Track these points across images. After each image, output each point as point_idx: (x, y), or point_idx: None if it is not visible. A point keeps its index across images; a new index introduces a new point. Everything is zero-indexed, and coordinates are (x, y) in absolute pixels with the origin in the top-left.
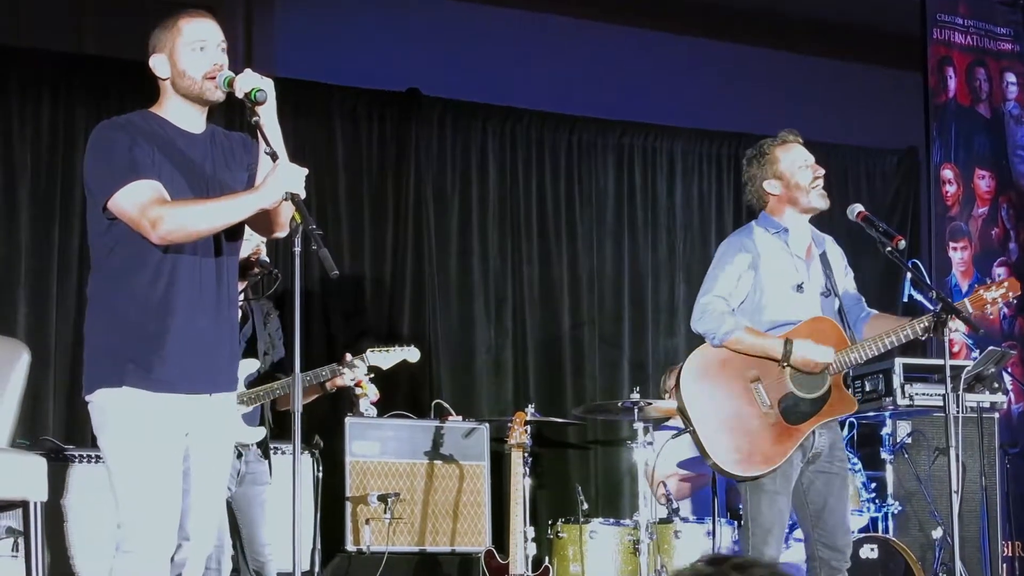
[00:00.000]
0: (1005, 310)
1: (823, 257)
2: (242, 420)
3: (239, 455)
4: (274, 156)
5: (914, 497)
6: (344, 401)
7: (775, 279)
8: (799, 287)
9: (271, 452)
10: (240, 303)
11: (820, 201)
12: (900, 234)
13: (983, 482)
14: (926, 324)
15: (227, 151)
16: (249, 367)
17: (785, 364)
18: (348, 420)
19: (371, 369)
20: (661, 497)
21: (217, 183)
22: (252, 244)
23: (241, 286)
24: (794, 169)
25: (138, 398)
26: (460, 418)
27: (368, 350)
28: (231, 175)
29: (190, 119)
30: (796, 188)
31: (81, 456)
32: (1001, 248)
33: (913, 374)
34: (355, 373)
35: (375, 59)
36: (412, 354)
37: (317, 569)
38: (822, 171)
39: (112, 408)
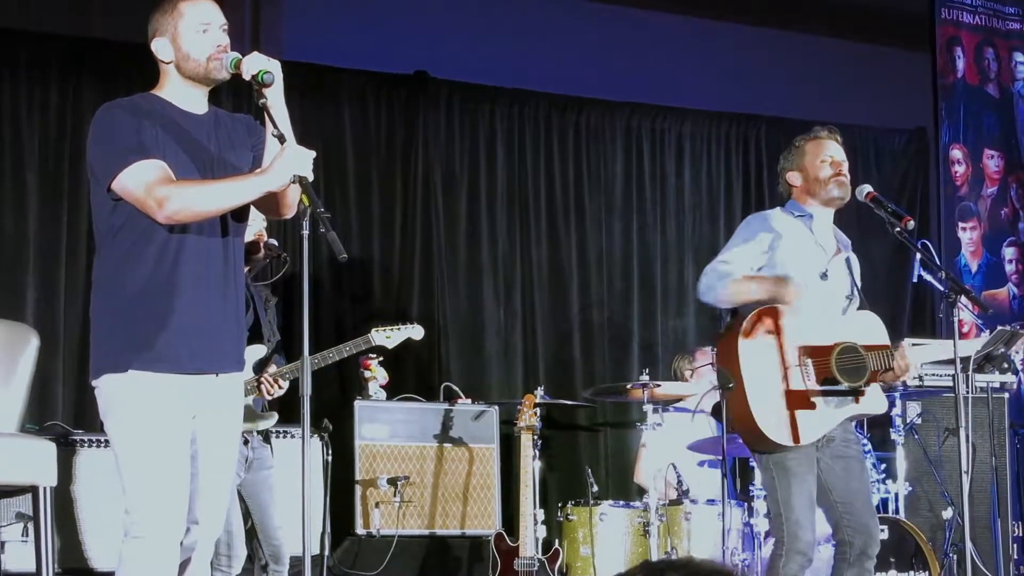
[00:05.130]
0: (1015, 289)
1: (848, 261)
2: (253, 406)
3: (246, 441)
4: (282, 139)
5: (924, 478)
6: (353, 384)
7: (797, 262)
8: (824, 275)
9: (271, 436)
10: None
11: (836, 191)
12: (909, 214)
13: (993, 462)
14: None
15: (231, 132)
16: (257, 352)
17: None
18: (357, 403)
19: (376, 349)
20: (670, 482)
21: (222, 163)
22: (255, 228)
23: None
24: (816, 163)
25: (144, 381)
26: (469, 401)
27: (372, 330)
28: (236, 155)
29: (192, 100)
30: (815, 181)
31: (90, 441)
32: (1011, 228)
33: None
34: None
35: (383, 42)
36: (416, 331)
37: (327, 553)
38: (843, 165)
39: (118, 393)
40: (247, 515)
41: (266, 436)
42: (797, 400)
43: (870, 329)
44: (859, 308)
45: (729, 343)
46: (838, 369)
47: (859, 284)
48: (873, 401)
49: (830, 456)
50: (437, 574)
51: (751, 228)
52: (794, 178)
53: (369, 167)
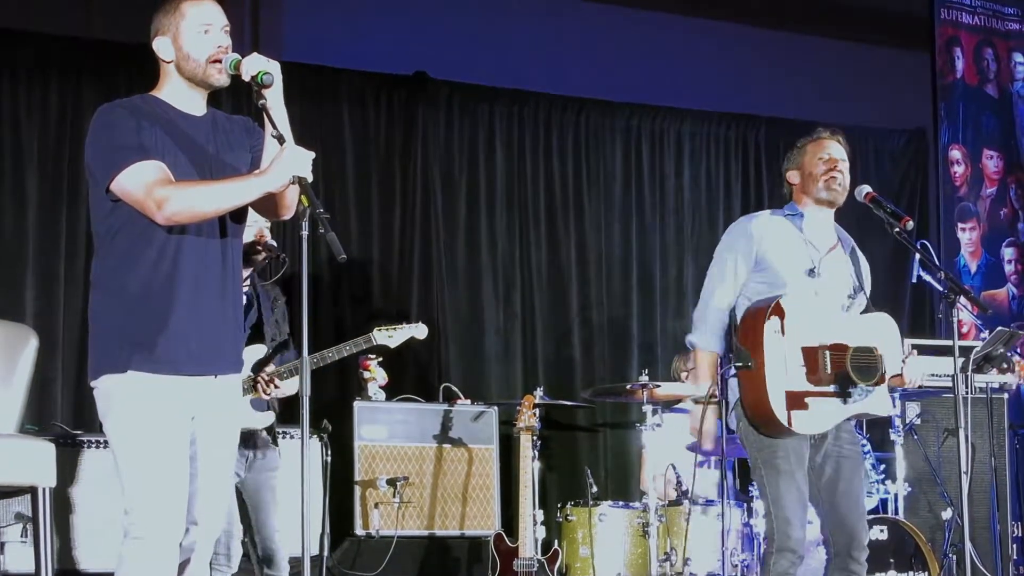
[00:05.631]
0: (1015, 290)
1: (853, 257)
2: (250, 405)
3: (247, 441)
4: (281, 139)
5: (924, 478)
6: (353, 385)
7: (781, 260)
8: (811, 272)
9: (279, 437)
10: (246, 288)
11: (825, 192)
12: (908, 215)
13: (992, 463)
14: None
15: (229, 134)
16: (257, 353)
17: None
18: (357, 404)
19: (378, 349)
20: (669, 483)
21: (220, 164)
22: (255, 228)
23: (247, 272)
24: (814, 161)
25: (143, 382)
26: (469, 401)
27: (375, 329)
28: (234, 156)
29: (191, 102)
30: (809, 177)
31: (90, 441)
32: (1010, 228)
33: (922, 354)
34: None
35: (382, 42)
36: (420, 331)
37: (326, 553)
38: (838, 164)
39: (117, 394)
40: (244, 515)
41: (274, 437)
42: (812, 388)
43: (883, 331)
44: (865, 307)
45: (756, 323)
46: (852, 367)
47: (865, 283)
48: (879, 402)
49: (821, 455)
50: (436, 575)
51: (723, 251)
52: (793, 176)
53: (368, 168)
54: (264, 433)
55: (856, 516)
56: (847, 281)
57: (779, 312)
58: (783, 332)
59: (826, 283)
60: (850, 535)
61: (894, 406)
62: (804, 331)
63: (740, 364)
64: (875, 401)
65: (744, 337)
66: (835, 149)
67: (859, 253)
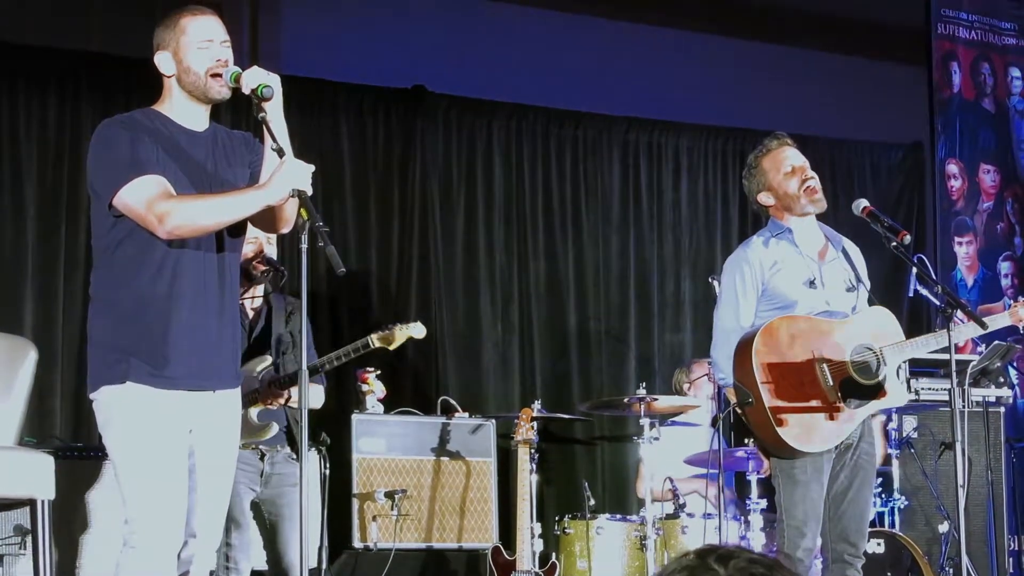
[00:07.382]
0: (1011, 304)
1: (845, 254)
2: (255, 419)
3: (262, 456)
4: (281, 152)
5: (920, 492)
6: (350, 398)
7: (787, 278)
8: (811, 283)
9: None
10: (258, 299)
11: (811, 206)
12: (905, 229)
13: (989, 476)
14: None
15: (229, 149)
16: (262, 363)
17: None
18: (355, 417)
19: (376, 356)
20: (668, 493)
21: (219, 180)
22: (256, 243)
23: (256, 288)
24: (780, 179)
25: (142, 394)
26: (467, 414)
27: (372, 334)
28: (233, 173)
29: (193, 117)
30: (786, 197)
31: (88, 453)
32: (1006, 242)
33: (919, 368)
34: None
35: (380, 56)
36: (418, 330)
37: (324, 566)
38: (809, 174)
39: (116, 405)
40: (263, 529)
41: (298, 453)
42: (817, 406)
43: (883, 326)
44: (869, 300)
45: (743, 358)
46: (854, 369)
47: (862, 275)
48: (893, 394)
49: (840, 463)
50: None
51: (729, 276)
52: (766, 199)
53: (367, 181)
54: (286, 449)
55: (858, 525)
56: (846, 279)
57: (767, 339)
58: (792, 342)
59: (831, 291)
60: (850, 543)
61: (890, 419)
62: (797, 349)
63: (739, 404)
64: (890, 395)
65: (738, 374)
66: (793, 156)
67: (849, 247)
